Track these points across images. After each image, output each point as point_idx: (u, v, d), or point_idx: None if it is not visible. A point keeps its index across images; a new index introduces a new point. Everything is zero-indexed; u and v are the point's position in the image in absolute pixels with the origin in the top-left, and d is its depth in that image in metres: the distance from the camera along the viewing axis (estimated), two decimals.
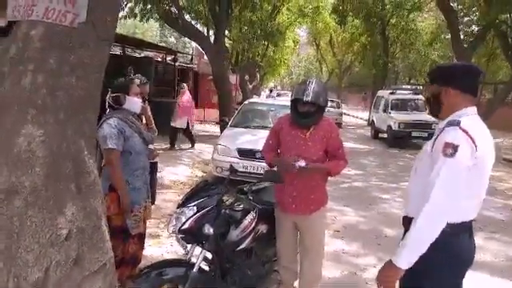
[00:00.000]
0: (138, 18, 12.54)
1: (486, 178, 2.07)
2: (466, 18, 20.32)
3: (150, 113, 4.13)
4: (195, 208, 2.80)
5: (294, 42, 29.36)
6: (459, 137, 1.93)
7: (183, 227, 2.76)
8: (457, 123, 1.98)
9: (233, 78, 17.96)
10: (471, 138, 1.93)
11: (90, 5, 1.90)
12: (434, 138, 2.11)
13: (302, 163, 2.98)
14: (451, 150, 1.91)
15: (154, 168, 3.76)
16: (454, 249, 2.00)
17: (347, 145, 13.51)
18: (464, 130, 1.94)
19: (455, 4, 18.28)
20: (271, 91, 28.17)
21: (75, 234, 1.91)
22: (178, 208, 2.90)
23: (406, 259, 1.97)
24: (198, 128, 16.75)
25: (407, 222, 2.24)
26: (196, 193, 2.96)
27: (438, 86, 2.17)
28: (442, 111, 2.16)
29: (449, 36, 18.65)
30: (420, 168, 2.19)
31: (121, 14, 12.53)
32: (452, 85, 2.11)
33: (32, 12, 1.86)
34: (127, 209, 3.20)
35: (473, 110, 2.10)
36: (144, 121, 3.94)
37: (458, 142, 1.92)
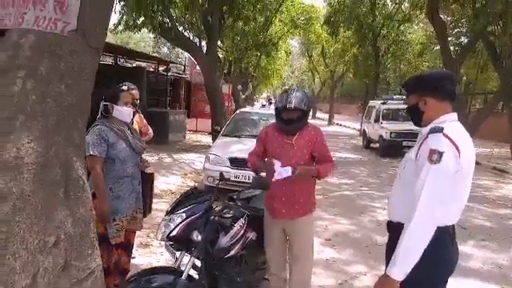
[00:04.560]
0: (130, 29, 12.57)
1: (468, 183, 2.11)
2: (455, 30, 20.56)
3: (144, 121, 4.16)
4: (184, 215, 2.79)
5: (286, 52, 29.45)
6: (443, 143, 1.97)
7: (172, 234, 2.75)
8: (440, 129, 2.02)
9: (226, 88, 18.00)
10: (455, 144, 1.97)
11: (81, 13, 1.93)
12: (417, 145, 2.15)
13: (288, 173, 3.02)
14: (437, 156, 1.94)
15: (147, 179, 3.73)
16: (436, 253, 2.02)
17: (339, 155, 13.55)
18: (447, 137, 1.98)
19: (444, 16, 18.49)
20: (271, 103, 26.51)
21: (63, 240, 1.91)
22: (166, 215, 2.89)
23: (400, 270, 1.98)
24: (190, 138, 16.75)
25: (391, 227, 2.28)
26: (185, 200, 2.95)
27: (416, 97, 2.22)
28: (423, 120, 2.22)
29: (438, 47, 18.84)
30: (404, 175, 2.23)
31: (113, 24, 12.57)
32: (429, 94, 2.16)
33: (23, 20, 1.89)
34: (105, 216, 3.17)
35: (453, 116, 2.15)
36: (137, 128, 3.94)
37: (443, 148, 1.95)
